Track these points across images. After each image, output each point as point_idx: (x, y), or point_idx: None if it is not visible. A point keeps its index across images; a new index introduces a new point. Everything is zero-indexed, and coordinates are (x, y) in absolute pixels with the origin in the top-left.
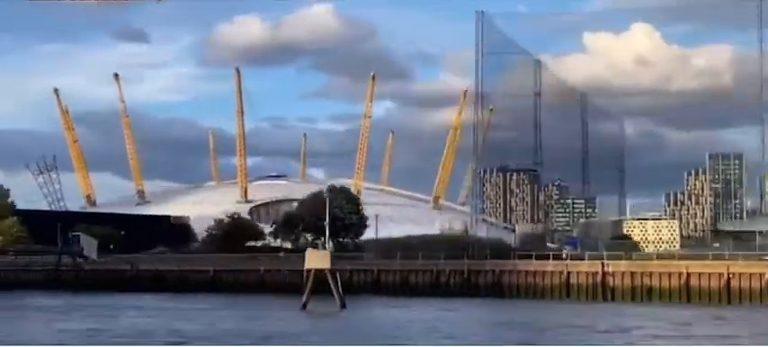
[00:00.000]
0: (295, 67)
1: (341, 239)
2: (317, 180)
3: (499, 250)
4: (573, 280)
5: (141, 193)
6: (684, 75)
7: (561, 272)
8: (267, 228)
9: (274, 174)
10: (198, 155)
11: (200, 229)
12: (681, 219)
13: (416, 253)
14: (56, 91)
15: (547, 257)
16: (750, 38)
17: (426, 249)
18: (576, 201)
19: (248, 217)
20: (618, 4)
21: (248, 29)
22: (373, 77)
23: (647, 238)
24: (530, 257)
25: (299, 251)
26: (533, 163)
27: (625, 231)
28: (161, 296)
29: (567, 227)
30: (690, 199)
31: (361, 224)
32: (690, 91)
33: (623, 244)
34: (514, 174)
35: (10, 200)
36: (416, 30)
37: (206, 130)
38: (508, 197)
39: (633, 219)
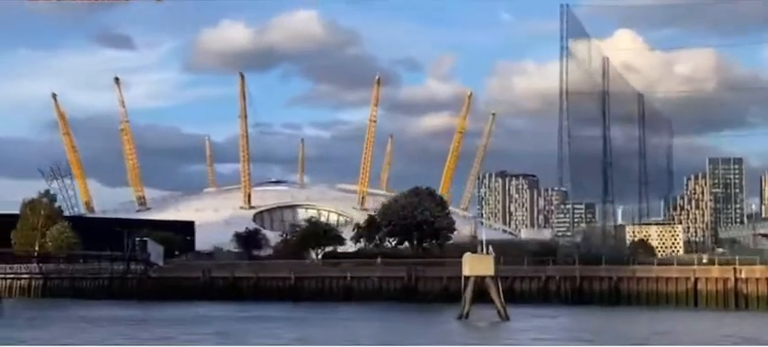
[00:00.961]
0: (279, 73)
1: (425, 244)
2: (318, 186)
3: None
4: (701, 286)
5: (142, 200)
6: (668, 80)
7: (688, 279)
8: (349, 233)
9: (274, 180)
10: (180, 161)
11: (202, 235)
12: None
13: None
14: (54, 96)
15: (670, 263)
16: (732, 42)
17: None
18: (576, 207)
19: (314, 221)
20: (600, 10)
21: (233, 34)
22: (378, 81)
23: (650, 243)
24: (650, 263)
25: (385, 256)
26: (603, 164)
27: (628, 237)
28: (241, 304)
29: (568, 233)
30: (690, 203)
31: (450, 228)
32: (673, 96)
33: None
34: (514, 179)
35: (57, 205)
36: (401, 36)
37: (187, 137)
38: (508, 202)
39: (636, 224)
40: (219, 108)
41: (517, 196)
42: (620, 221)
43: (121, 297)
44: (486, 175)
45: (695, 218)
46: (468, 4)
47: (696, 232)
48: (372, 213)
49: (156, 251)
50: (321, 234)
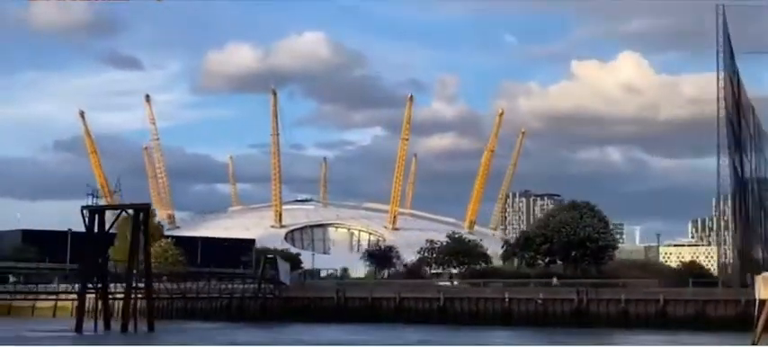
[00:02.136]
0: (285, 94)
1: (585, 264)
2: (346, 205)
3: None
4: None
5: (171, 218)
6: (672, 103)
7: None
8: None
9: (301, 199)
10: (185, 181)
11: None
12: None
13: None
14: (82, 114)
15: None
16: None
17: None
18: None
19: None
20: (605, 32)
21: (239, 56)
22: (411, 98)
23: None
24: None
25: (541, 277)
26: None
27: (662, 258)
28: (386, 327)
29: None
30: (718, 224)
31: (614, 246)
32: (678, 119)
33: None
34: (538, 199)
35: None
36: (406, 58)
37: (192, 157)
38: (533, 222)
39: (668, 246)
40: (224, 129)
41: (542, 216)
42: (638, 242)
43: (242, 319)
44: (510, 195)
45: (725, 240)
46: (473, 26)
47: (726, 253)
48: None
49: (283, 269)
50: (464, 251)
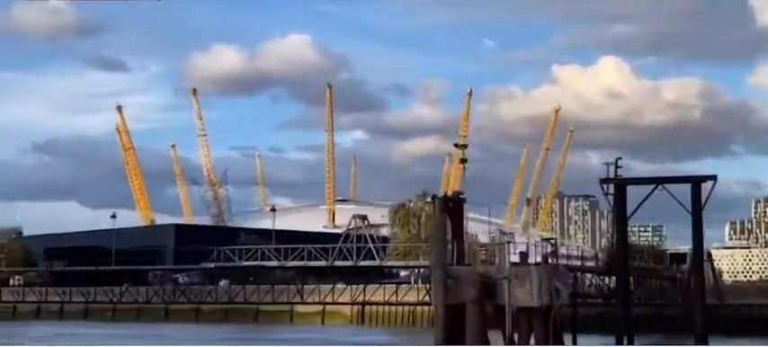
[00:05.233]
0: (269, 97)
1: None
2: (386, 204)
3: None
4: None
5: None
6: (654, 107)
7: None
8: None
9: (340, 199)
10: (164, 184)
11: None
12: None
13: None
14: (119, 108)
15: None
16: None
17: None
18: (641, 231)
19: None
20: (586, 37)
21: (224, 58)
22: (470, 93)
23: (735, 269)
24: None
25: None
26: None
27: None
28: None
29: None
30: (758, 226)
31: None
32: (659, 123)
33: None
34: (572, 200)
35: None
36: (390, 62)
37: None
38: (566, 224)
39: (718, 248)
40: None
41: (576, 218)
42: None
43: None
44: (541, 196)
45: (765, 242)
46: (454, 32)
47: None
48: None
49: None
50: None
